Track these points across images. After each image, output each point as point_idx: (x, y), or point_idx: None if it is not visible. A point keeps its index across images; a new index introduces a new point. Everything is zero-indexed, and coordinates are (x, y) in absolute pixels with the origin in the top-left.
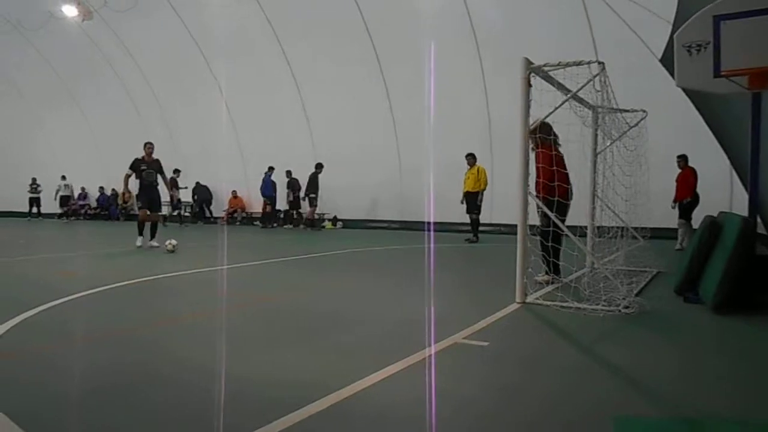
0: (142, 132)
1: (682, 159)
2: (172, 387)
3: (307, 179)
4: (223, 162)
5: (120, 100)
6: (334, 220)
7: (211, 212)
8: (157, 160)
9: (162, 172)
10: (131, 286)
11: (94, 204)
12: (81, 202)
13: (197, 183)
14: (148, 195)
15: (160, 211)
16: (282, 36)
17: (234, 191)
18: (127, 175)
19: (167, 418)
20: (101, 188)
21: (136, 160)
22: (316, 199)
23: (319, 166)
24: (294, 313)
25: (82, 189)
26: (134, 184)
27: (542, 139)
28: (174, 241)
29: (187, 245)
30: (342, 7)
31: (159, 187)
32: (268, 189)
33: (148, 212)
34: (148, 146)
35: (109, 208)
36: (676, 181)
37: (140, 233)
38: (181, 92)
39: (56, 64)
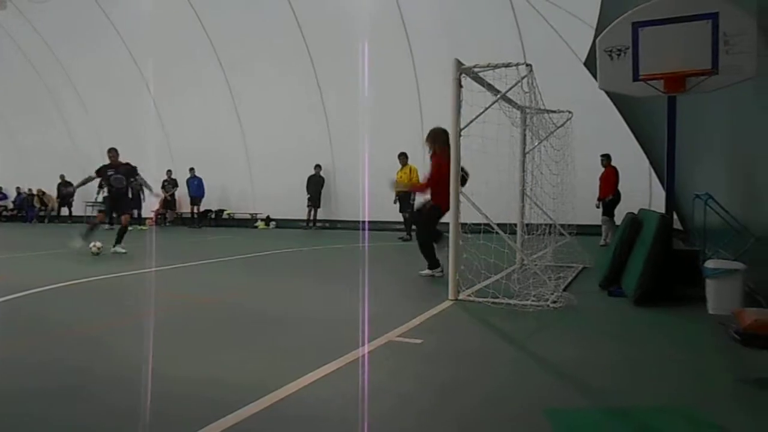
0: (63, 126)
1: (605, 158)
2: (108, 389)
3: (307, 180)
4: (151, 161)
5: (38, 93)
6: (267, 220)
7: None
8: (128, 163)
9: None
10: (63, 289)
11: (10, 205)
12: None
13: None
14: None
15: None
16: (212, 34)
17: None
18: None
19: (104, 420)
20: (18, 188)
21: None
22: (311, 198)
23: (317, 167)
24: (229, 314)
25: None
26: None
27: (439, 148)
28: (99, 244)
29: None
30: (274, 6)
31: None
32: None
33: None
34: (112, 152)
35: (26, 210)
36: (600, 179)
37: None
38: (103, 87)
39: None
